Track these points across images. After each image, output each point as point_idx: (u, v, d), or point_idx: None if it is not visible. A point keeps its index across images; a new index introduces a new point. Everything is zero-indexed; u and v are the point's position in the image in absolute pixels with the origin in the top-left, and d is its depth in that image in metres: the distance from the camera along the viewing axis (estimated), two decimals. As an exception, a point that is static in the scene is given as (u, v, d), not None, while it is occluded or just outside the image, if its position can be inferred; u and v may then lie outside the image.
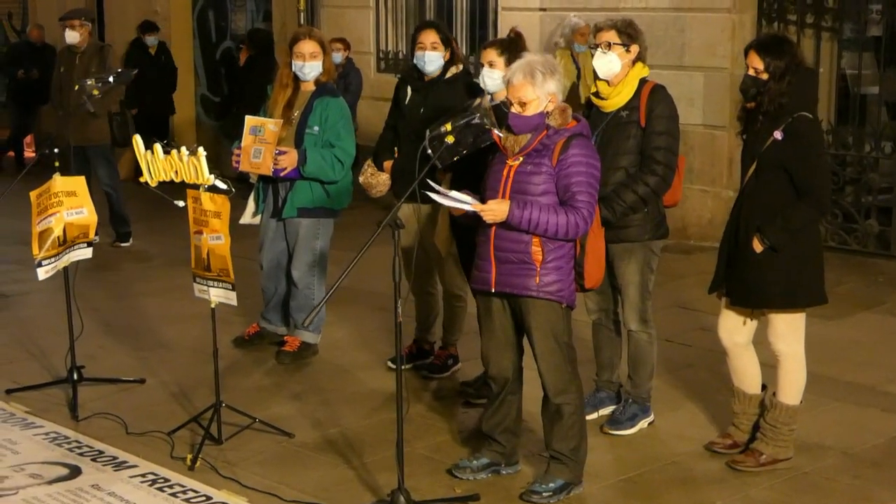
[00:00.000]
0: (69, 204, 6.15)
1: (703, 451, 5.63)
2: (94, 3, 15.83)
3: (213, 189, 5.49)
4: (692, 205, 10.00)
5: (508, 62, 5.76)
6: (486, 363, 5.25)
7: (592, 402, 5.97)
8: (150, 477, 5.33)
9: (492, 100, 5.93)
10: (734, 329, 5.49)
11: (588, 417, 5.55)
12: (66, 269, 6.23)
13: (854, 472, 5.40)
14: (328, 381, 6.71)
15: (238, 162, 6.77)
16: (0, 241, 10.31)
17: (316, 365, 7.02)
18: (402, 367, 4.98)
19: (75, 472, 5.41)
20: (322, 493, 5.17)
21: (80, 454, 5.61)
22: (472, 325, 5.81)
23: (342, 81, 11.05)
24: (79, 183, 6.21)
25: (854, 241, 9.59)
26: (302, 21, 12.66)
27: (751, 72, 5.25)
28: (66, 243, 6.16)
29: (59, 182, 6.15)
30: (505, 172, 5.00)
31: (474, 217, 4.96)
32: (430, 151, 5.38)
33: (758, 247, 5.22)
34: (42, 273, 6.16)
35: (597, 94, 5.79)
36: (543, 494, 5.05)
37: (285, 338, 7.17)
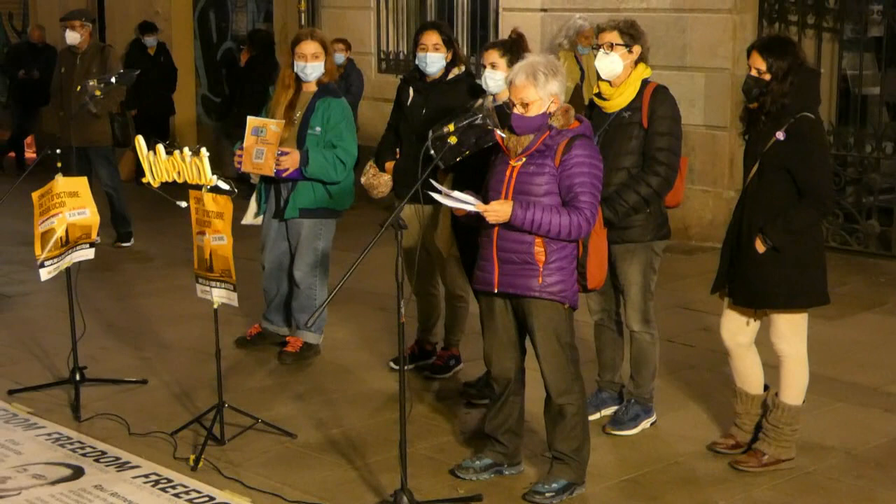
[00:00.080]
0: (72, 205, 6.14)
1: (705, 451, 5.63)
2: (95, 4, 15.85)
3: (215, 190, 5.49)
4: (693, 205, 10.01)
5: (510, 63, 5.76)
6: (489, 364, 5.24)
7: (595, 402, 5.97)
8: (153, 477, 5.33)
9: (494, 100, 5.94)
10: (736, 329, 5.49)
11: (590, 418, 5.55)
12: (68, 269, 6.23)
13: (857, 473, 5.40)
14: (330, 382, 6.70)
15: (240, 163, 6.78)
16: (2, 242, 10.32)
17: (318, 365, 7.01)
18: (405, 367, 4.98)
19: (78, 472, 5.40)
20: (325, 494, 5.17)
21: (83, 455, 5.61)
22: (474, 326, 5.80)
23: (343, 82, 11.05)
24: (81, 183, 6.20)
25: (855, 241, 9.59)
26: (303, 22, 12.68)
27: (753, 72, 5.24)
28: (68, 244, 6.16)
29: (61, 183, 6.15)
30: (507, 173, 5.00)
31: (476, 218, 4.96)
32: (432, 152, 5.39)
33: (760, 247, 5.22)
34: (44, 274, 6.17)
35: (599, 95, 5.79)
36: (546, 495, 5.04)
37: (287, 338, 7.16)
